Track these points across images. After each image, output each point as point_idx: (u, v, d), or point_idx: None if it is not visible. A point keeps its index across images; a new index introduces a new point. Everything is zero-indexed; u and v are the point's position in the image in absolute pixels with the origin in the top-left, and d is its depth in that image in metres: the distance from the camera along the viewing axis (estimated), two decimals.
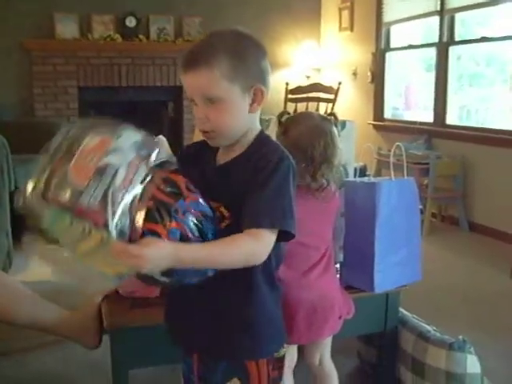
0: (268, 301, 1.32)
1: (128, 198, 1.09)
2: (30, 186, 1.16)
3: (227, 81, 1.22)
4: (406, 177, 2.12)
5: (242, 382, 1.32)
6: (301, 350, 1.90)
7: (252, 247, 1.19)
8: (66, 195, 1.08)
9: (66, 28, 6.07)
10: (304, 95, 6.25)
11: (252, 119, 1.31)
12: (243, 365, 1.32)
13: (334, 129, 1.81)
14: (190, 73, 1.23)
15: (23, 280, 3.01)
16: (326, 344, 1.89)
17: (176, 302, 1.38)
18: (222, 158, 1.33)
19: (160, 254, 1.08)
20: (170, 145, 1.50)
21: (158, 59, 6.38)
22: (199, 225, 1.15)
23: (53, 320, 2.05)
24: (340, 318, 1.82)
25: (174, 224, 1.12)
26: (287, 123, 1.79)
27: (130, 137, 1.14)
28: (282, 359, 1.39)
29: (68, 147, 1.14)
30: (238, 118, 1.26)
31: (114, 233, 1.07)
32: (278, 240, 1.23)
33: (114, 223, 1.07)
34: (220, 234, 1.21)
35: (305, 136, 1.73)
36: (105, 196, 1.07)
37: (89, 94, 6.30)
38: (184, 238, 1.13)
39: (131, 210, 1.09)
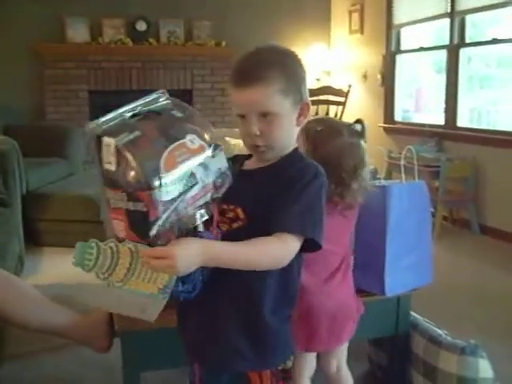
0: (276, 313, 1.31)
1: (183, 214, 1.12)
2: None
3: (282, 96, 1.26)
4: (416, 180, 2.11)
5: None
6: (317, 358, 1.90)
7: (279, 251, 1.22)
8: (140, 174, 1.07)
9: (77, 32, 6.12)
10: (314, 98, 6.25)
11: (295, 133, 1.34)
12: (246, 375, 1.32)
13: (362, 143, 1.78)
14: (245, 89, 1.25)
15: (34, 284, 3.03)
16: (343, 350, 1.88)
17: (182, 313, 1.39)
18: (250, 165, 1.36)
19: (189, 250, 1.11)
20: None
21: (169, 63, 6.41)
22: None
23: (64, 324, 2.06)
24: (354, 321, 1.82)
25: None
26: (315, 140, 1.72)
27: (220, 161, 1.16)
28: (288, 371, 1.38)
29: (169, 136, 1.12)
30: (288, 131, 1.30)
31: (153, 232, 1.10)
32: (305, 250, 1.26)
33: (159, 222, 1.08)
34: (230, 234, 1.24)
35: (333, 157, 1.68)
36: (173, 199, 1.08)
37: (99, 97, 6.33)
38: None
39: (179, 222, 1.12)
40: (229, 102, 6.61)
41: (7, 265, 2.79)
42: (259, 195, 1.26)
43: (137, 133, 1.08)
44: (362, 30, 6.51)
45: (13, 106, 5.85)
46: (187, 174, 1.10)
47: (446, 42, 5.18)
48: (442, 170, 4.61)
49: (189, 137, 1.12)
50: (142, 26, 6.27)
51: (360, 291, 1.97)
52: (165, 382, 2.29)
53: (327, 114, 6.64)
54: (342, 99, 6.34)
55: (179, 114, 1.17)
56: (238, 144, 2.01)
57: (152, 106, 1.17)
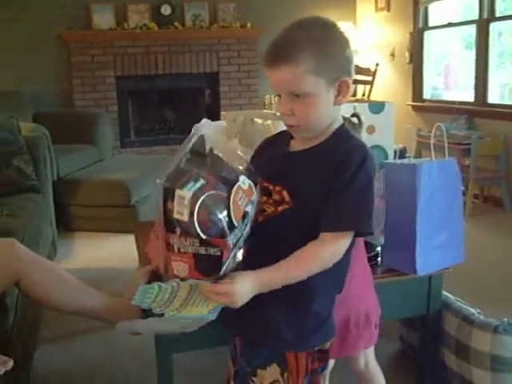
0: (322, 300, 1.31)
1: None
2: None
3: (313, 75, 1.20)
4: (447, 157, 2.08)
5: (281, 368, 1.33)
6: None
7: (329, 253, 1.22)
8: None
9: (103, 18, 6.15)
10: None
11: (336, 111, 1.30)
12: (283, 353, 1.32)
13: (362, 135, 1.73)
14: (275, 69, 1.22)
15: (68, 268, 3.08)
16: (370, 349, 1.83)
17: None
18: (296, 145, 1.33)
19: (245, 287, 1.16)
20: None
21: (194, 46, 6.41)
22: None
23: (99, 307, 2.08)
24: (374, 328, 1.75)
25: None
26: None
27: (256, 193, 1.20)
28: (325, 351, 1.37)
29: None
30: (323, 111, 1.25)
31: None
32: (354, 236, 1.25)
33: (228, 262, 1.14)
34: (276, 218, 1.25)
35: None
36: (237, 240, 1.15)
37: (126, 83, 6.37)
38: None
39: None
40: (255, 85, 6.60)
41: (41, 250, 2.84)
42: (305, 179, 1.24)
43: (202, 181, 1.13)
44: (388, 7, 6.41)
45: (42, 93, 5.92)
46: (244, 216, 1.17)
47: (476, 16, 5.08)
48: (472, 147, 4.54)
49: (241, 178, 1.17)
50: (166, 10, 6.27)
51: (391, 270, 1.96)
52: (197, 363, 2.32)
53: (355, 93, 6.58)
54: (369, 78, 6.27)
55: (220, 153, 1.21)
56: (267, 125, 2.00)
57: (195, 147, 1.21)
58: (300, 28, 1.23)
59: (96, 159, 5.02)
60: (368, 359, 1.84)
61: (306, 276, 1.21)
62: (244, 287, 1.16)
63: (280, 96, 1.25)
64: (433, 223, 1.94)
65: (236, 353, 1.43)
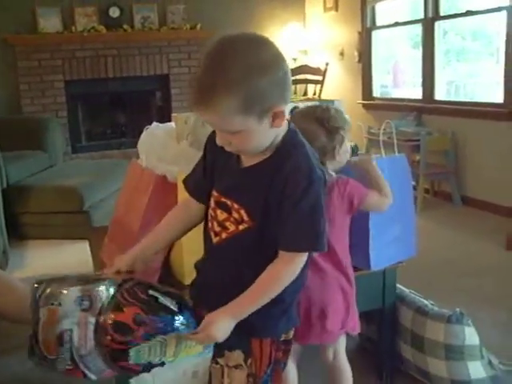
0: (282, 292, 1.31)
1: (88, 350, 1.24)
2: None
3: (241, 115, 1.14)
4: (396, 154, 2.12)
5: (245, 355, 1.35)
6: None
7: (288, 272, 1.26)
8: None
9: (49, 22, 6.03)
10: (292, 78, 6.23)
11: (276, 130, 1.24)
12: (248, 339, 1.34)
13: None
14: (200, 112, 1.18)
15: (20, 277, 3.02)
16: (340, 341, 1.86)
17: (199, 274, 1.44)
18: (247, 161, 1.30)
19: (220, 325, 1.23)
20: None
21: (144, 48, 6.35)
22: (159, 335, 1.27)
23: None
24: (342, 328, 1.79)
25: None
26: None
27: (70, 297, 1.25)
28: (289, 342, 1.41)
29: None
30: (261, 139, 1.22)
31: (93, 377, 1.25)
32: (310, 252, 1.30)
33: (90, 373, 1.25)
34: (236, 238, 1.28)
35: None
36: (72, 357, 1.23)
37: (76, 87, 6.27)
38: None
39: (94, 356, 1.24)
40: None
41: None
42: (260, 196, 1.24)
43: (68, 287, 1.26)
44: (336, 7, 6.49)
45: None
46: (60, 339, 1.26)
47: (421, 16, 5.18)
48: (421, 143, 4.64)
49: (41, 312, 1.28)
50: (115, 13, 6.19)
51: None
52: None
53: (305, 93, 6.64)
54: (319, 78, 6.33)
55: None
56: None
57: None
58: (224, 61, 1.13)
59: (47, 165, 4.93)
60: (337, 352, 1.87)
61: (274, 294, 1.26)
62: (220, 326, 1.22)
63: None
64: (385, 219, 1.97)
65: None
